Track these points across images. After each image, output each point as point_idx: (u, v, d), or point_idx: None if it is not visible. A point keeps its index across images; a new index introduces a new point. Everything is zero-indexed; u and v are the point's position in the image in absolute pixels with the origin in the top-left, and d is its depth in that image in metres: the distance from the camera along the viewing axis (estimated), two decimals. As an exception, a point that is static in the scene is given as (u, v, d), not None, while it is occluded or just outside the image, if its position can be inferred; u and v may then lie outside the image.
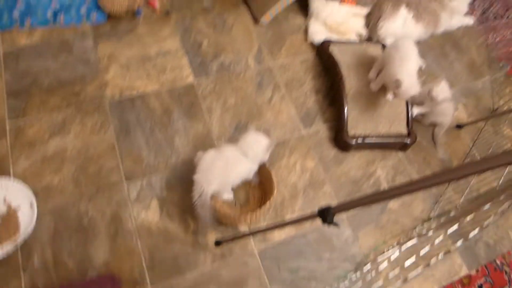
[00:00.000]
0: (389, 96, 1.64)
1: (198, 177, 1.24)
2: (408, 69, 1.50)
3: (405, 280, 0.66)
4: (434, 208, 1.58)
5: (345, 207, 0.87)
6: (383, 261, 1.01)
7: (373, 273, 0.96)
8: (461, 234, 0.75)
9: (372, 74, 1.68)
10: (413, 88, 1.47)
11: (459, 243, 0.70)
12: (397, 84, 1.45)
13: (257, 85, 1.71)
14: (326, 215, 0.90)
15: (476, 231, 0.70)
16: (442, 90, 1.62)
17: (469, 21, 2.23)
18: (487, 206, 0.79)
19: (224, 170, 1.25)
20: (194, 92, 1.63)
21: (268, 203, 1.30)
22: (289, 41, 1.88)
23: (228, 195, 1.36)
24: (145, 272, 1.25)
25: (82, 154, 1.41)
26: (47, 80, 1.54)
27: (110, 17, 1.73)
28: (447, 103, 1.64)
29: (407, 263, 0.78)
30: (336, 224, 0.90)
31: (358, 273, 1.07)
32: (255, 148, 1.29)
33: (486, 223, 0.71)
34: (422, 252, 0.79)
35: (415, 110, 1.68)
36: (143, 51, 1.68)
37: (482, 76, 2.05)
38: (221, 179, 1.25)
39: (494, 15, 2.38)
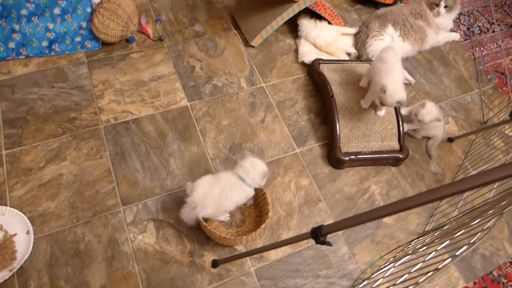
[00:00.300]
0: (380, 112, 1.68)
1: (192, 199, 1.25)
2: (393, 78, 1.54)
3: (396, 296, 0.67)
4: (429, 222, 1.59)
5: (337, 226, 0.88)
6: (379, 278, 1.02)
7: (369, 289, 0.96)
8: (453, 249, 0.77)
9: (362, 82, 1.73)
10: (399, 93, 1.50)
11: (447, 261, 0.71)
12: (383, 89, 1.49)
13: (250, 106, 1.74)
14: (318, 235, 0.91)
15: (464, 248, 0.72)
16: (428, 112, 1.64)
17: (455, 36, 2.29)
18: (476, 221, 0.81)
19: (220, 198, 1.26)
20: (188, 115, 1.66)
21: (263, 225, 1.31)
22: (280, 61, 1.92)
23: (224, 217, 1.38)
24: (142, 296, 1.25)
25: (78, 180, 1.43)
26: (43, 108, 1.57)
27: (104, 44, 1.78)
28: (436, 120, 1.67)
29: (399, 280, 0.79)
30: (329, 244, 0.91)
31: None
32: (252, 173, 1.30)
33: (474, 239, 0.73)
34: (414, 269, 0.81)
35: (406, 126, 1.71)
36: (137, 76, 1.72)
37: (470, 90, 2.09)
38: (217, 206, 1.27)
39: (479, 30, 2.45)
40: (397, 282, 0.71)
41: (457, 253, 0.63)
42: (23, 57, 1.67)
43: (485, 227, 0.69)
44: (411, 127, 1.75)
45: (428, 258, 0.79)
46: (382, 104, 1.56)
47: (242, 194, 1.30)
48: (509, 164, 0.59)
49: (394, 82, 1.52)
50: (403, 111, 1.76)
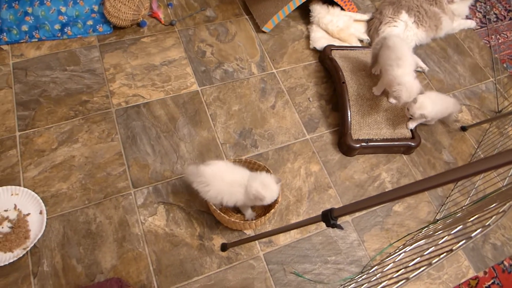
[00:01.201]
0: (392, 99, 1.65)
1: (202, 171, 1.24)
2: (405, 71, 1.51)
3: (408, 279, 0.66)
4: (440, 210, 1.58)
5: (348, 209, 0.88)
6: (389, 263, 1.01)
7: (379, 274, 0.96)
8: (466, 234, 0.76)
9: (374, 69, 1.72)
10: (414, 90, 1.48)
11: (461, 242, 0.71)
12: (397, 95, 1.47)
13: (261, 91, 1.73)
14: (329, 218, 0.90)
15: (479, 230, 0.71)
16: (421, 106, 1.54)
17: (471, 23, 2.24)
18: (492, 206, 0.80)
19: (226, 187, 1.24)
20: (198, 99, 1.66)
21: (273, 210, 1.31)
22: (292, 47, 1.90)
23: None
24: (153, 276, 1.26)
25: (90, 162, 1.44)
26: (55, 90, 1.58)
27: (116, 28, 1.77)
28: (441, 106, 1.61)
29: (412, 263, 0.78)
30: (340, 227, 0.90)
31: (365, 275, 1.08)
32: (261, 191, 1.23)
33: (489, 222, 0.72)
34: (427, 253, 0.80)
35: (410, 125, 1.65)
36: (148, 60, 1.72)
37: (485, 78, 2.05)
38: (221, 193, 1.25)
39: (496, 17, 2.39)
40: (410, 265, 0.71)
41: (472, 235, 0.62)
42: (36, 40, 1.68)
43: (500, 210, 0.68)
44: (415, 123, 1.65)
45: (441, 242, 0.78)
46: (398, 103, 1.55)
47: (242, 196, 1.25)
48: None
49: (407, 76, 1.49)
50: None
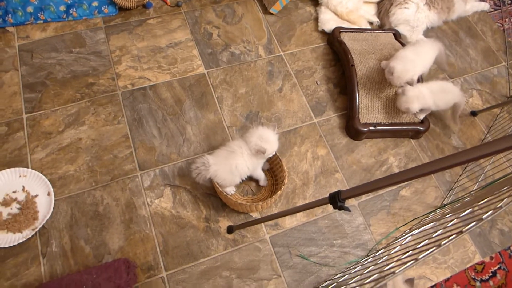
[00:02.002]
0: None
1: (206, 159, 1.26)
2: (408, 53, 1.51)
3: (416, 260, 0.66)
4: (447, 195, 1.56)
5: (356, 191, 0.87)
6: (395, 246, 1.01)
7: (385, 257, 0.96)
8: (475, 217, 0.75)
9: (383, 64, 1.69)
10: (407, 73, 1.47)
11: (472, 224, 0.70)
12: (390, 70, 1.46)
13: (268, 74, 1.71)
14: (337, 200, 0.90)
15: (490, 212, 0.70)
16: (407, 100, 1.51)
17: (485, 6, 2.18)
18: (504, 188, 0.78)
19: (231, 166, 1.26)
20: (205, 82, 1.64)
21: (279, 192, 1.31)
22: (299, 30, 1.87)
23: (230, 190, 1.36)
24: (159, 258, 1.28)
25: (97, 144, 1.44)
26: (61, 73, 1.57)
27: (121, 10, 1.75)
28: (442, 94, 1.57)
29: (420, 245, 0.78)
30: (347, 209, 0.90)
31: (371, 258, 1.07)
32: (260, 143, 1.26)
33: (500, 204, 0.70)
34: (435, 235, 0.79)
35: (420, 116, 1.62)
36: (154, 42, 1.70)
37: (498, 62, 2.01)
38: (227, 172, 1.27)
39: (511, 0, 2.32)
40: (418, 247, 0.70)
41: (483, 216, 0.61)
42: (41, 21, 1.67)
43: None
44: (424, 113, 1.62)
45: (450, 225, 0.77)
46: (392, 82, 1.53)
47: (244, 162, 1.27)
48: None
49: (402, 60, 1.48)
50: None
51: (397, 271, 0.64)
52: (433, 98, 1.54)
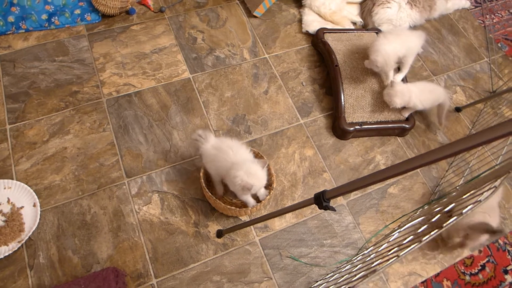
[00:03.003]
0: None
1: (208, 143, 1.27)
2: (385, 42, 1.54)
3: (398, 257, 0.67)
4: (434, 191, 1.58)
5: (340, 191, 0.88)
6: (383, 243, 1.01)
7: (373, 254, 0.96)
8: (456, 212, 0.76)
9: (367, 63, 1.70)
10: (390, 58, 1.52)
11: (452, 219, 0.70)
12: (374, 59, 1.52)
13: (253, 77, 1.71)
14: (322, 200, 0.90)
15: (470, 206, 0.71)
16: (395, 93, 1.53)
17: (465, 3, 2.22)
18: (486, 184, 0.80)
19: (223, 163, 1.25)
20: (190, 87, 1.64)
21: (267, 196, 1.31)
22: (284, 32, 1.88)
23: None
24: (149, 265, 1.27)
25: (82, 153, 1.43)
26: (45, 82, 1.56)
27: (104, 17, 1.74)
28: (417, 95, 1.57)
29: (405, 241, 0.78)
30: (332, 208, 0.90)
31: (360, 256, 1.08)
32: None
33: (481, 198, 0.71)
34: (420, 230, 0.80)
35: (405, 113, 1.63)
36: (138, 48, 1.69)
37: (480, 58, 2.04)
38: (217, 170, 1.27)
39: (490, -4, 2.36)
40: (403, 243, 0.71)
41: (463, 211, 0.62)
42: (23, 31, 1.65)
43: (492, 186, 0.67)
44: (409, 111, 1.63)
45: (434, 220, 0.78)
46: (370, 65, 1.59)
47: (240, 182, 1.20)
48: (508, 122, 0.56)
49: (381, 46, 1.53)
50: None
51: (378, 268, 0.64)
52: (420, 98, 1.56)
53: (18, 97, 1.51)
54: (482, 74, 1.98)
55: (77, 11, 1.71)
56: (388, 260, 0.65)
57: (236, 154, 1.24)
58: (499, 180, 0.70)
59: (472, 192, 0.81)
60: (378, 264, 0.70)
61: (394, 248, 0.80)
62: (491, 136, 0.60)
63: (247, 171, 1.18)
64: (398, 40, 1.57)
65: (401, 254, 0.62)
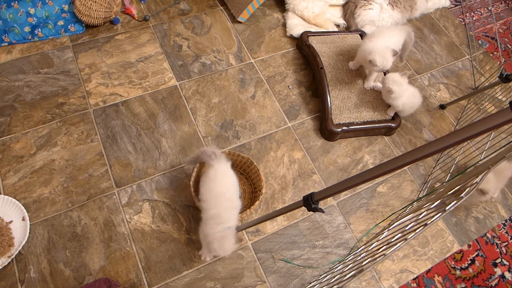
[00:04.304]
0: (367, 84, 1.67)
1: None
2: (377, 42, 1.54)
3: (385, 255, 0.68)
4: (423, 188, 1.60)
5: (328, 192, 0.89)
6: (373, 242, 1.03)
7: (364, 253, 0.98)
8: (441, 208, 0.77)
9: (352, 64, 1.72)
10: (387, 56, 1.51)
11: (436, 216, 0.72)
12: (373, 63, 1.51)
13: (240, 82, 1.73)
14: (310, 202, 0.91)
15: (453, 203, 0.72)
16: (393, 81, 1.53)
17: (445, 2, 2.26)
18: (467, 180, 0.82)
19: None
20: (177, 94, 1.64)
21: (257, 202, 1.31)
22: (268, 36, 1.90)
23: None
24: (142, 274, 1.26)
25: (71, 164, 1.42)
26: (30, 95, 1.55)
27: (88, 27, 1.74)
28: (406, 98, 1.59)
29: (393, 239, 0.80)
30: (321, 210, 0.91)
31: (351, 256, 1.09)
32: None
33: (463, 194, 0.73)
34: (408, 228, 0.81)
35: (390, 112, 1.66)
36: (123, 58, 1.69)
37: (462, 56, 2.08)
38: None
39: (469, -5, 2.42)
40: (392, 241, 0.72)
41: (446, 208, 0.63)
42: (6, 44, 1.64)
43: (473, 182, 0.69)
44: (393, 110, 1.65)
45: (421, 217, 0.80)
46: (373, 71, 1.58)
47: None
48: (490, 117, 0.58)
49: (380, 48, 1.52)
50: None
51: (366, 268, 0.66)
52: (406, 101, 1.58)
53: (3, 110, 1.50)
54: (464, 71, 2.02)
55: (61, 22, 1.70)
56: (376, 258, 0.66)
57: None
58: (480, 176, 0.72)
59: (456, 188, 0.83)
60: (367, 263, 0.71)
61: (383, 246, 0.81)
62: (473, 132, 0.62)
63: (218, 239, 1.10)
64: (385, 35, 1.59)
65: (387, 252, 0.64)
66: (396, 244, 0.63)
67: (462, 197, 0.64)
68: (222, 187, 1.17)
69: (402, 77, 1.54)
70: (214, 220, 1.11)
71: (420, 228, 0.64)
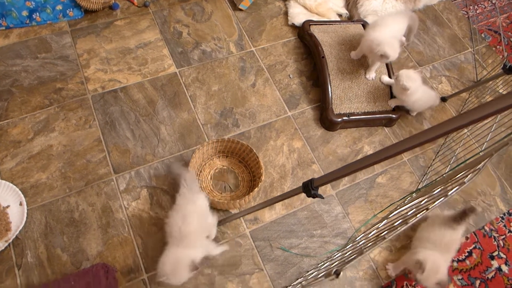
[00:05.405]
0: (369, 75, 1.65)
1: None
2: (382, 32, 1.53)
3: (384, 239, 0.67)
4: (422, 180, 1.60)
5: (327, 178, 0.88)
6: (372, 230, 1.02)
7: (363, 241, 0.97)
8: (442, 195, 0.77)
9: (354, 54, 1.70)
10: (395, 46, 1.49)
11: (439, 201, 0.72)
12: (386, 56, 1.49)
13: (240, 70, 1.71)
14: (310, 188, 0.91)
15: (455, 188, 0.72)
16: (408, 74, 1.51)
17: (448, -6, 2.24)
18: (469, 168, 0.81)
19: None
20: (177, 81, 1.63)
21: (256, 189, 1.31)
22: (270, 25, 1.87)
23: None
24: (139, 260, 1.26)
25: (68, 150, 1.41)
26: (27, 79, 1.53)
27: (87, 12, 1.72)
28: (420, 95, 1.58)
29: (396, 223, 0.79)
30: (320, 196, 0.91)
31: (350, 244, 1.09)
32: None
33: (465, 180, 0.72)
34: (409, 213, 0.81)
35: (392, 103, 1.65)
36: (122, 44, 1.67)
37: (464, 49, 2.06)
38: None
39: (473, -13, 2.39)
40: (395, 224, 0.72)
41: (449, 193, 0.63)
42: (3, 28, 1.62)
43: (476, 168, 0.69)
44: (397, 103, 1.65)
45: (422, 203, 0.79)
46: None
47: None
48: (489, 103, 0.58)
49: (387, 37, 1.50)
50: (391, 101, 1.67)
51: (366, 250, 0.65)
52: (420, 96, 1.57)
53: (1, 95, 1.48)
54: (466, 64, 2.00)
55: (59, 7, 1.68)
56: (377, 242, 0.66)
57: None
58: (482, 163, 0.71)
59: (457, 177, 0.82)
60: (367, 246, 0.70)
61: (382, 232, 0.81)
62: (470, 119, 0.62)
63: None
64: (389, 24, 1.57)
65: (387, 236, 0.63)
66: (397, 228, 0.62)
67: (465, 183, 0.63)
68: (188, 226, 1.07)
69: (416, 74, 1.52)
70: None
71: (422, 212, 0.63)
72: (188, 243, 1.06)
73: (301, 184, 0.92)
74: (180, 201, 1.12)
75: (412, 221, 0.63)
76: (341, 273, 0.68)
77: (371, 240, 0.78)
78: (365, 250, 0.66)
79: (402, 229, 0.62)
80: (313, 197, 0.89)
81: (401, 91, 1.55)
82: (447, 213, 1.35)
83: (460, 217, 1.29)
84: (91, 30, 1.68)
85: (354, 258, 0.69)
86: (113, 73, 1.60)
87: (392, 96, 1.66)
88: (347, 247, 1.08)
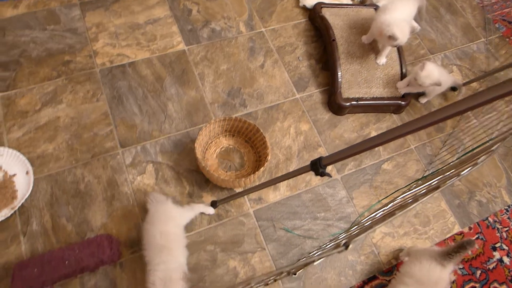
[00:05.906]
0: (379, 60, 1.63)
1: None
2: (392, 15, 1.50)
3: (394, 215, 0.67)
4: (428, 168, 1.59)
5: (336, 157, 0.88)
6: (378, 214, 1.02)
7: (369, 222, 0.97)
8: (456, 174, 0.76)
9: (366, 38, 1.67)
10: (406, 28, 1.47)
11: (452, 180, 0.71)
12: (394, 37, 1.46)
13: (249, 50, 1.69)
14: (318, 166, 0.90)
15: (468, 168, 0.71)
16: (427, 75, 1.48)
17: (464, -18, 2.19)
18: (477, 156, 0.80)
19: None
20: (185, 59, 1.62)
21: (262, 168, 1.31)
22: (280, 6, 1.85)
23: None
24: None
25: (76, 122, 1.41)
26: (36, 51, 1.52)
27: (98, -15, 1.70)
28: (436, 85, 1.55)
29: (396, 210, 0.79)
30: (328, 175, 0.90)
31: (356, 226, 1.09)
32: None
33: (479, 160, 0.72)
34: (420, 193, 0.80)
35: (403, 90, 1.63)
36: (132, 19, 1.66)
37: (477, 38, 2.03)
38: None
39: (489, -24, 2.34)
40: (401, 204, 0.71)
41: (462, 173, 0.62)
42: (13, -2, 1.61)
43: (489, 150, 0.68)
44: (410, 90, 1.63)
45: (433, 184, 0.79)
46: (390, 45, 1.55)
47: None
48: (497, 86, 0.56)
49: (398, 21, 1.47)
50: (401, 84, 1.64)
51: (375, 226, 0.65)
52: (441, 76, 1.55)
53: (9, 65, 1.48)
54: (479, 54, 1.97)
55: (70, -21, 1.66)
56: (386, 218, 0.66)
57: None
58: (496, 145, 0.70)
59: (469, 160, 0.81)
60: (372, 224, 0.70)
61: (388, 213, 0.80)
62: (478, 101, 0.61)
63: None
64: (398, 7, 1.55)
65: (398, 213, 0.63)
66: (407, 206, 0.62)
67: (477, 163, 0.63)
68: (162, 240, 1.08)
69: (438, 68, 1.52)
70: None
71: (433, 192, 0.63)
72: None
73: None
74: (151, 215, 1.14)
75: (424, 199, 0.62)
76: (350, 245, 0.68)
77: (376, 219, 0.78)
78: (375, 226, 0.66)
79: (414, 206, 0.61)
80: (321, 175, 0.89)
81: (423, 84, 1.53)
82: (437, 249, 1.23)
83: (456, 251, 1.15)
84: (100, 4, 1.66)
85: (367, 229, 0.69)
86: (121, 48, 1.58)
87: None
88: (353, 228, 1.08)
